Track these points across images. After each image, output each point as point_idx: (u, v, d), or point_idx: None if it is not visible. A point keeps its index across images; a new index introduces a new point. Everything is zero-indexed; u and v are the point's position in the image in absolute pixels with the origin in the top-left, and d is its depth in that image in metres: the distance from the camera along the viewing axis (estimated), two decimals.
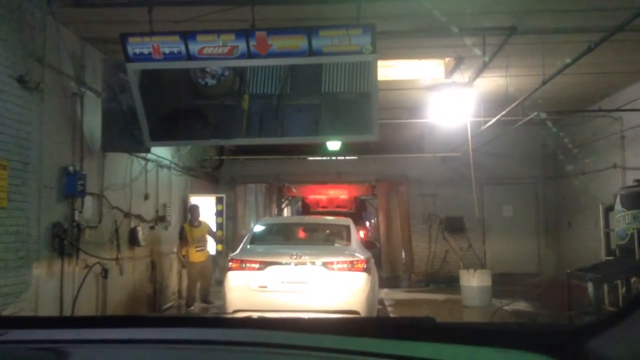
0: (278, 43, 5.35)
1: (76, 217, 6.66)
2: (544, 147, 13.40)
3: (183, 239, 9.74)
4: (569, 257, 12.72)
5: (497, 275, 10.38)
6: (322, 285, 6.78)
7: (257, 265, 6.91)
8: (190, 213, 10.12)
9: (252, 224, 14.88)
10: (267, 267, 6.88)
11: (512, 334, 1.48)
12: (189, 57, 5.43)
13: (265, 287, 6.81)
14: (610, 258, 8.32)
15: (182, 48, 5.39)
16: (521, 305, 9.23)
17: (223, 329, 1.56)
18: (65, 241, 6.40)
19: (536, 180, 13.73)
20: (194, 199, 11.17)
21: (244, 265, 6.98)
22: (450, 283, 12.51)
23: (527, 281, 12.03)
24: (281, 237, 8.26)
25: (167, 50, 5.42)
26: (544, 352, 1.27)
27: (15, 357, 1.33)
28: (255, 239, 7.80)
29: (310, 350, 1.31)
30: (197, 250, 9.69)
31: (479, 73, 8.50)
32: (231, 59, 5.46)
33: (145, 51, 5.45)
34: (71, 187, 6.50)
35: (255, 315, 6.37)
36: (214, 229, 11.08)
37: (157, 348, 1.39)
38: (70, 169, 6.54)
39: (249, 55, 5.41)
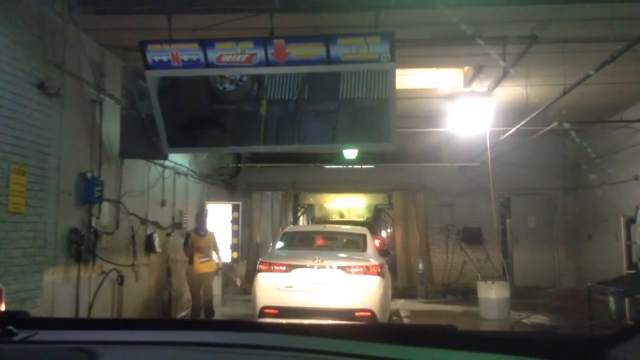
0: (296, 51, 5.33)
1: (93, 223, 6.69)
2: (564, 158, 13.22)
3: (187, 246, 9.01)
4: (589, 270, 12.50)
5: (516, 288, 10.25)
6: (340, 286, 7.52)
7: (283, 268, 7.73)
8: (197, 221, 9.37)
9: (267, 232, 14.91)
10: (293, 270, 7.68)
11: (533, 343, 1.48)
12: (207, 64, 5.43)
13: (291, 287, 7.60)
14: (631, 272, 8.14)
15: (201, 56, 5.39)
16: (540, 319, 9.05)
17: (246, 333, 1.61)
18: (82, 247, 6.42)
19: (556, 191, 13.53)
20: (211, 206, 11.18)
21: (272, 267, 7.79)
22: (468, 295, 12.36)
23: (546, 293, 11.85)
24: (305, 243, 9.00)
25: (185, 58, 5.43)
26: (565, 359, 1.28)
27: (46, 358, 1.37)
28: (282, 245, 8.77)
29: (331, 355, 1.34)
30: (202, 261, 8.91)
31: (498, 82, 8.42)
32: (249, 66, 5.44)
33: (165, 59, 5.46)
34: (89, 193, 6.53)
35: (279, 319, 7.05)
36: (228, 237, 11.06)
37: (184, 350, 1.43)
38: (88, 175, 6.57)
39: (267, 63, 5.39)
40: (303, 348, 1.37)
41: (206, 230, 9.25)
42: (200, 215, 9.41)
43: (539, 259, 13.21)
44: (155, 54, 5.45)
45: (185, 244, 9.13)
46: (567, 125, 9.19)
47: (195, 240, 8.96)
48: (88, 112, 6.81)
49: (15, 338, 1.40)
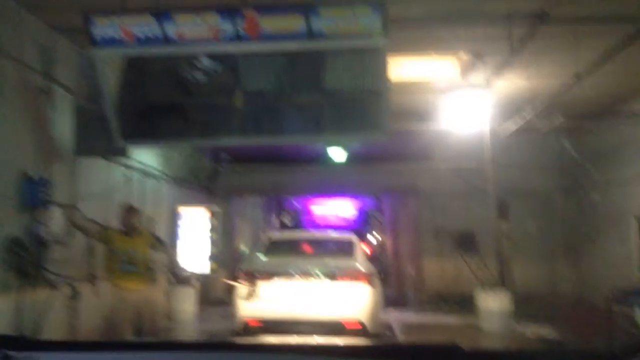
0: (271, 24, 4.50)
1: (40, 232, 5.78)
2: (564, 157, 12.48)
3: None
4: (591, 276, 11.77)
5: (515, 295, 9.46)
6: (327, 296, 7.15)
7: (267, 277, 7.30)
8: (124, 216, 6.53)
9: (247, 240, 14.07)
10: (277, 279, 7.30)
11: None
12: (167, 41, 4.58)
13: (275, 297, 7.19)
14: None
15: (158, 30, 4.54)
16: (549, 332, 8.26)
17: (240, 354, 1.64)
18: (25, 259, 5.51)
19: (555, 192, 12.79)
20: (185, 211, 10.30)
21: (255, 277, 7.31)
22: (462, 303, 11.56)
23: (547, 303, 11.09)
24: (289, 250, 8.48)
25: (140, 34, 4.57)
26: None
27: None
28: (265, 252, 8.24)
29: None
30: (122, 271, 6.24)
31: (498, 73, 7.66)
32: (216, 43, 4.61)
33: (114, 35, 4.59)
34: (33, 196, 5.64)
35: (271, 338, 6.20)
36: (207, 245, 10.15)
37: None
38: (33, 175, 5.68)
39: (238, 38, 4.55)
40: None
41: (137, 229, 6.52)
42: (127, 209, 6.66)
43: (539, 264, 12.45)
44: (102, 29, 4.58)
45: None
46: (561, 121, 8.46)
47: (113, 240, 6.32)
48: (33, 103, 5.91)
49: None
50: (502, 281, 11.92)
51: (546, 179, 12.64)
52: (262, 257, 8.12)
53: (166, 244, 7.15)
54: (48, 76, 6.10)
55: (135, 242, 6.39)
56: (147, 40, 4.61)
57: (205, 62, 5.18)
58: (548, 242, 12.82)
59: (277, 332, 6.89)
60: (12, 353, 1.42)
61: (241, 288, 7.26)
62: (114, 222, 7.53)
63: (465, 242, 12.65)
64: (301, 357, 1.54)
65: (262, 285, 7.25)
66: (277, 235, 10.60)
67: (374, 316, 7.30)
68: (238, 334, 7.31)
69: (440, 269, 12.72)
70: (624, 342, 6.03)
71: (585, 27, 6.12)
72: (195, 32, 4.56)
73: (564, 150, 12.19)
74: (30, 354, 1.46)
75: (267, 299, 7.18)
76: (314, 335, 6.86)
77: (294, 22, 4.48)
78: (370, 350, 1.96)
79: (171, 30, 4.56)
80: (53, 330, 5.99)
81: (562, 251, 12.78)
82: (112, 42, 4.62)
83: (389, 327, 9.37)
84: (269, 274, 7.34)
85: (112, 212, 7.51)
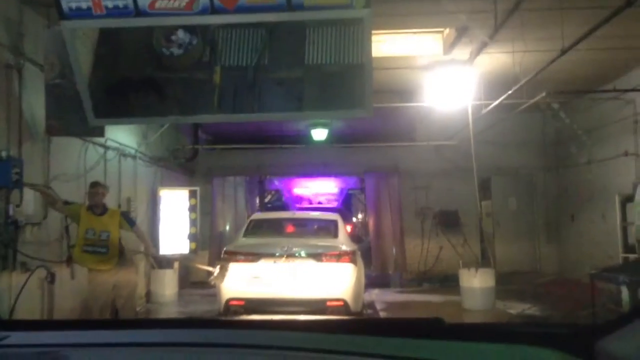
0: None
1: (11, 213, 5.57)
2: (546, 135, 12.47)
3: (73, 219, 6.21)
4: (572, 254, 11.85)
5: (497, 273, 9.44)
6: (311, 275, 7.15)
7: (250, 257, 7.27)
8: (89, 193, 6.33)
9: (230, 220, 13.90)
10: (260, 259, 7.23)
11: (523, 332, 1.47)
12: (138, 12, 4.31)
13: (258, 277, 7.16)
14: (630, 255, 7.39)
15: (129, 1, 4.31)
16: (532, 309, 8.27)
17: (222, 330, 1.59)
18: None
19: (537, 170, 12.79)
20: (164, 193, 10.10)
21: (237, 257, 7.29)
22: (445, 282, 11.59)
23: (528, 280, 11.15)
24: (273, 231, 8.51)
25: (110, 4, 4.29)
26: (554, 348, 1.28)
27: None
28: (249, 233, 8.22)
29: (313, 351, 1.33)
30: (87, 252, 6.04)
31: (482, 48, 7.55)
32: (190, 14, 4.37)
33: (83, 5, 4.30)
34: (4, 176, 5.41)
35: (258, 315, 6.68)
36: (186, 226, 9.99)
37: (158, 350, 1.42)
38: (3, 154, 5.45)
39: (213, 10, 4.32)
40: (284, 346, 1.36)
41: (106, 208, 6.29)
42: (94, 185, 6.33)
43: (520, 242, 12.50)
44: (71, 0, 4.36)
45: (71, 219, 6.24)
46: (554, 98, 8.39)
47: (82, 218, 6.06)
48: (2, 80, 5.67)
49: None
50: (484, 259, 11.99)
51: (529, 157, 12.64)
52: (245, 238, 8.07)
53: (137, 225, 6.76)
54: (17, 51, 5.84)
55: (103, 220, 6.12)
56: (117, 12, 4.38)
57: (181, 35, 4.98)
58: (531, 219, 12.87)
59: (260, 311, 6.94)
60: None
61: (214, 271, 7.12)
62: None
63: (448, 221, 12.64)
64: (283, 333, 1.51)
65: (245, 266, 7.19)
66: (260, 215, 10.53)
67: (356, 295, 7.31)
68: (220, 314, 7.28)
69: (423, 248, 12.72)
70: (605, 318, 6.02)
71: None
72: (168, 2, 4.36)
73: (546, 128, 12.20)
74: (3, 333, 1.44)
75: (249, 279, 7.14)
76: (296, 314, 6.88)
77: None
78: (353, 324, 1.91)
79: (143, 1, 4.35)
80: (27, 313, 5.83)
81: (545, 229, 12.84)
82: (81, 13, 4.39)
83: (372, 306, 9.34)
84: (251, 254, 7.30)
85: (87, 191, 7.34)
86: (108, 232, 6.10)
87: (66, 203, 6.24)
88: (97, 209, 6.18)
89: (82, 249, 6.07)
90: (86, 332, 1.59)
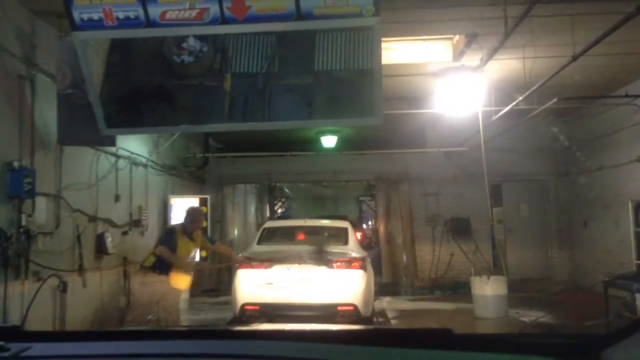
0: (258, 4, 4.31)
1: (24, 222, 5.61)
2: (558, 141, 12.38)
3: (167, 246, 6.22)
4: (584, 261, 11.72)
5: (509, 281, 9.37)
6: (322, 281, 7.37)
7: (264, 264, 7.50)
8: (186, 219, 6.53)
9: (240, 228, 13.92)
10: (273, 266, 7.48)
11: (532, 343, 1.48)
12: (149, 23, 4.38)
13: (272, 283, 7.41)
14: None
15: (140, 12, 4.34)
16: (545, 317, 8.18)
17: (243, 341, 1.62)
18: (9, 250, 5.35)
19: (549, 176, 12.70)
20: (175, 201, 10.13)
21: (252, 263, 7.53)
22: (457, 290, 11.52)
23: (541, 287, 11.05)
24: (285, 238, 8.76)
25: (121, 15, 4.37)
26: (563, 358, 1.27)
27: None
28: (262, 240, 8.53)
29: None
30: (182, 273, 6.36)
31: (492, 54, 7.51)
32: (201, 24, 4.42)
33: (95, 16, 4.40)
34: (16, 186, 5.46)
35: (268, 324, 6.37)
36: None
37: None
38: (16, 164, 5.50)
39: (223, 20, 4.37)
40: (295, 357, 1.35)
41: (192, 233, 6.48)
42: (192, 212, 6.68)
43: (532, 249, 12.40)
44: (83, 10, 4.38)
45: (167, 242, 6.26)
46: (559, 103, 8.32)
47: (182, 244, 6.29)
48: (15, 90, 5.72)
49: (7, 354, 1.37)
50: (496, 266, 11.90)
51: (540, 163, 12.56)
52: (259, 245, 8.32)
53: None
54: (29, 62, 5.90)
55: (196, 243, 6.61)
56: (128, 22, 4.42)
57: (192, 42, 5.01)
58: (542, 226, 12.76)
59: (273, 315, 7.11)
60: (5, 343, 1.38)
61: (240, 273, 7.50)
62: (101, 212, 7.41)
63: (459, 228, 12.57)
64: (290, 343, 1.51)
65: (260, 272, 7.45)
66: (273, 223, 10.94)
67: (366, 300, 7.50)
68: (236, 318, 7.58)
69: (434, 255, 12.65)
70: (617, 326, 5.94)
71: (582, 5, 5.99)
72: (179, 13, 4.38)
73: (558, 134, 12.11)
74: (24, 345, 1.42)
75: (263, 285, 7.39)
76: (309, 318, 7.10)
77: (282, 3, 4.30)
78: (363, 334, 1.93)
79: (154, 11, 4.37)
80: (39, 322, 5.86)
81: (557, 235, 12.73)
82: (93, 24, 4.44)
83: (383, 314, 9.29)
84: (266, 261, 7.53)
85: (99, 200, 7.38)
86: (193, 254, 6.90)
87: (170, 235, 6.42)
88: (191, 233, 6.49)
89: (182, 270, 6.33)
90: (107, 344, 1.59)
